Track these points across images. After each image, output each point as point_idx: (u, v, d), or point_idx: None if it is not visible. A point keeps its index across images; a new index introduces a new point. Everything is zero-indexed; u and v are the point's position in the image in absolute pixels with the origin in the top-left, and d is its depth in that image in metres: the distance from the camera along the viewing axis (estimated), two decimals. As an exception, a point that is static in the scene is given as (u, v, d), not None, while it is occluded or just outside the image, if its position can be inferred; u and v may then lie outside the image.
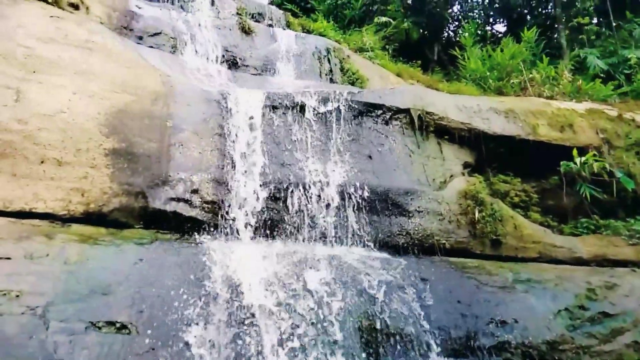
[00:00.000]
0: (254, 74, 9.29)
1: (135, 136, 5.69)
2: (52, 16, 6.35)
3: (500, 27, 19.49)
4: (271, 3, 15.09)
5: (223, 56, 9.13)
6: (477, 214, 6.64)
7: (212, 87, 7.11)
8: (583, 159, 7.58)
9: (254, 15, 10.99)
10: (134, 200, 5.38)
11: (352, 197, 6.25)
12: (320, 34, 11.76)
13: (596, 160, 7.58)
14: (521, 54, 12.36)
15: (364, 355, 4.74)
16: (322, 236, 6.03)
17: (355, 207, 6.23)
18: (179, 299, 4.58)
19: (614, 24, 14.73)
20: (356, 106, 6.97)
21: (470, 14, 19.26)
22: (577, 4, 15.58)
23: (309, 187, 6.14)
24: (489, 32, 17.87)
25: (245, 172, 5.95)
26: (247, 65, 9.35)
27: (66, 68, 5.81)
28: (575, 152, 7.68)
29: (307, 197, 6.09)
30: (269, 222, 5.87)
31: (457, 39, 16.28)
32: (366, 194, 6.31)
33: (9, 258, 4.34)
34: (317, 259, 5.50)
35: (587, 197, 7.62)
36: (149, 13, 8.67)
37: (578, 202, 7.79)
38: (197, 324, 4.43)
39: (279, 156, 6.26)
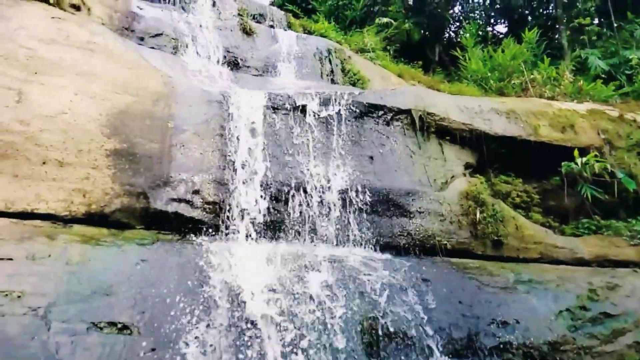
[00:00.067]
0: (255, 75, 9.30)
1: (137, 137, 5.69)
2: (53, 17, 6.36)
3: (502, 28, 19.52)
4: (272, 4, 15.12)
5: (224, 57, 9.14)
6: (478, 215, 6.64)
7: (214, 88, 7.11)
8: (584, 159, 7.58)
9: (255, 16, 11.01)
10: (135, 200, 5.38)
11: (353, 198, 6.25)
12: (322, 35, 11.77)
13: (597, 161, 7.58)
14: (522, 54, 12.36)
15: (365, 358, 4.73)
16: (324, 237, 6.03)
17: (356, 208, 6.23)
18: (180, 300, 4.58)
19: (615, 25, 14.72)
20: (357, 107, 6.98)
21: (472, 14, 19.26)
22: (578, 4, 15.57)
23: (310, 188, 6.14)
24: (490, 32, 17.86)
25: (246, 173, 5.95)
26: (248, 66, 9.36)
27: (68, 69, 5.82)
28: (576, 152, 7.68)
29: (308, 199, 6.09)
30: (271, 223, 5.87)
31: (458, 39, 16.27)
32: (367, 195, 6.32)
33: (10, 259, 4.35)
34: (319, 260, 5.49)
35: (589, 198, 7.62)
36: (150, 14, 8.68)
37: (579, 203, 7.79)
38: (197, 325, 4.44)
39: (281, 157, 6.26)
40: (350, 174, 6.41)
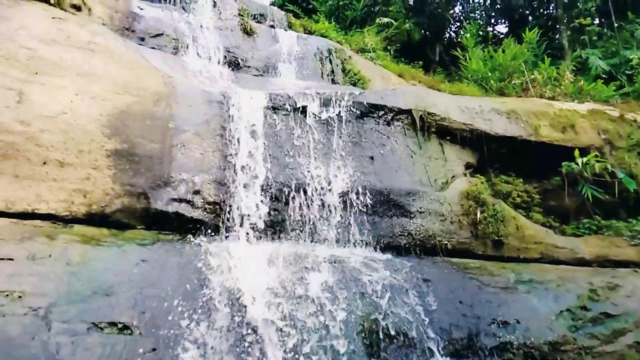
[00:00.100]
0: (255, 75, 9.30)
1: (137, 137, 5.70)
2: (54, 17, 6.36)
3: (502, 28, 19.50)
4: (273, 4, 15.13)
5: (225, 57, 9.14)
6: (479, 215, 6.64)
7: (214, 88, 7.11)
8: (585, 159, 7.57)
9: (256, 16, 11.01)
10: (136, 201, 5.39)
11: (354, 198, 6.25)
12: (322, 35, 11.77)
13: (598, 161, 7.58)
14: (523, 54, 12.35)
15: (366, 359, 4.73)
16: (324, 237, 6.03)
17: (357, 208, 6.23)
18: (180, 300, 4.58)
19: (615, 25, 14.69)
20: (358, 107, 6.98)
21: (472, 14, 19.24)
22: (578, 4, 15.55)
23: (311, 188, 6.14)
24: (491, 32, 17.84)
25: (247, 173, 5.95)
26: (248, 66, 9.36)
27: (68, 69, 5.82)
28: (577, 152, 7.68)
29: (309, 199, 6.09)
30: (272, 223, 5.87)
31: (459, 39, 16.25)
32: (368, 195, 6.32)
33: (11, 259, 4.35)
34: (319, 261, 5.48)
35: (589, 198, 7.62)
36: (151, 14, 8.69)
37: (580, 203, 7.78)
38: (198, 324, 4.45)
39: (281, 158, 6.26)
40: (351, 174, 6.41)
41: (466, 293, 5.82)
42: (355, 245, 6.09)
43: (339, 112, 6.84)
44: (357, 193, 6.29)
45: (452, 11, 18.99)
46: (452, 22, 19.07)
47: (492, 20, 19.56)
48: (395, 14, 16.04)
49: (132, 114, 5.83)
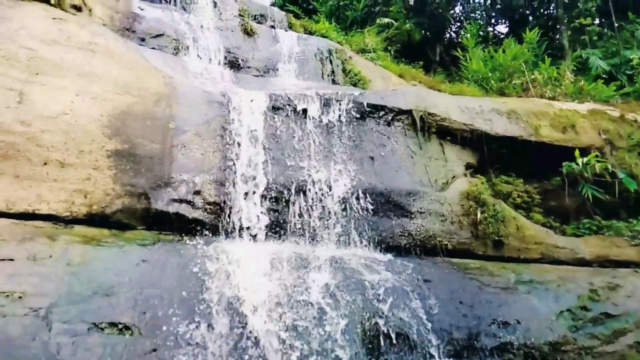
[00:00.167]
0: (256, 76, 9.31)
1: (138, 137, 5.70)
2: (54, 18, 6.37)
3: (502, 28, 19.49)
4: (273, 4, 15.14)
5: (225, 58, 9.16)
6: (479, 215, 6.64)
7: (215, 89, 7.11)
8: (585, 159, 7.57)
9: (256, 16, 11.02)
10: (136, 201, 5.39)
11: (354, 198, 6.25)
12: (322, 36, 11.78)
13: (598, 161, 7.57)
14: (523, 54, 12.35)
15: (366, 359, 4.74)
16: (324, 238, 6.03)
17: (358, 209, 6.23)
18: (180, 300, 4.59)
19: (616, 25, 14.69)
20: (358, 108, 6.98)
21: (472, 15, 19.23)
22: (579, 4, 15.54)
23: (311, 189, 6.14)
24: (491, 33, 17.84)
25: (247, 173, 5.95)
26: (249, 67, 9.38)
27: (69, 70, 5.83)
28: (577, 153, 7.68)
29: (309, 199, 6.09)
30: (272, 223, 5.87)
31: (459, 40, 16.23)
32: (368, 196, 6.32)
33: (12, 259, 4.36)
34: (319, 264, 5.48)
35: (590, 198, 7.62)
36: (152, 15, 8.69)
37: (580, 203, 7.78)
38: (198, 323, 4.45)
39: (282, 158, 6.27)
40: (352, 177, 6.40)
41: (466, 293, 5.82)
42: (355, 246, 6.09)
43: (339, 115, 6.84)
44: (358, 192, 6.29)
45: (452, 11, 19.00)
46: (452, 22, 19.08)
47: (493, 21, 19.57)
48: (395, 14, 16.05)
49: (132, 114, 5.84)
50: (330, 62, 10.25)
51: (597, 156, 7.66)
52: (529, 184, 7.68)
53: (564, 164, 7.65)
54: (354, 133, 6.81)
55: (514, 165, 7.71)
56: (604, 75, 12.84)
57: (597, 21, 15.95)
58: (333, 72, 10.11)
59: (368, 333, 4.89)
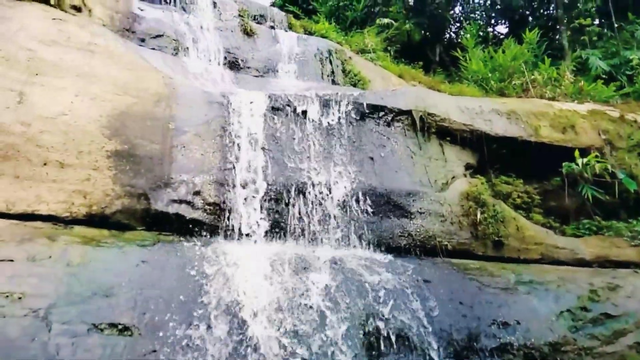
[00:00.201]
0: (256, 76, 9.31)
1: (138, 138, 5.70)
2: (54, 18, 6.37)
3: (502, 29, 19.54)
4: (273, 5, 15.16)
5: (225, 58, 9.16)
6: (479, 216, 6.64)
7: (214, 89, 7.11)
8: (585, 160, 7.57)
9: (256, 17, 11.03)
10: (136, 202, 5.38)
11: (354, 199, 6.25)
12: (322, 36, 11.80)
13: (598, 162, 7.57)
14: (523, 55, 12.35)
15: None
16: (324, 238, 6.02)
17: (357, 209, 6.23)
18: (181, 301, 4.58)
19: (615, 25, 14.71)
20: (358, 109, 6.98)
21: (472, 15, 19.26)
22: (579, 5, 15.56)
23: (311, 189, 6.14)
24: (491, 33, 17.87)
25: (247, 174, 5.95)
26: (249, 67, 9.38)
27: (68, 70, 5.83)
28: (577, 153, 7.68)
29: (309, 200, 6.09)
30: (272, 223, 5.87)
31: (459, 40, 16.26)
32: (368, 196, 6.31)
33: (11, 260, 4.35)
34: (320, 265, 5.47)
35: (589, 199, 7.62)
36: (151, 15, 8.70)
37: (580, 204, 7.78)
38: (198, 325, 4.44)
39: (282, 158, 6.26)
40: (351, 177, 6.40)
41: (466, 294, 5.81)
42: (355, 246, 6.08)
43: (339, 117, 6.84)
44: (357, 193, 6.28)
45: (452, 12, 19.02)
46: (452, 22, 19.10)
47: (492, 21, 19.60)
48: (395, 14, 16.06)
49: (132, 114, 5.83)
50: (330, 62, 10.25)
51: (596, 156, 7.66)
52: (528, 185, 7.68)
53: (563, 164, 7.65)
54: (353, 134, 6.81)
55: (514, 166, 7.70)
56: (604, 76, 12.85)
57: (596, 22, 15.97)
58: (333, 72, 10.11)
59: (368, 336, 4.89)
